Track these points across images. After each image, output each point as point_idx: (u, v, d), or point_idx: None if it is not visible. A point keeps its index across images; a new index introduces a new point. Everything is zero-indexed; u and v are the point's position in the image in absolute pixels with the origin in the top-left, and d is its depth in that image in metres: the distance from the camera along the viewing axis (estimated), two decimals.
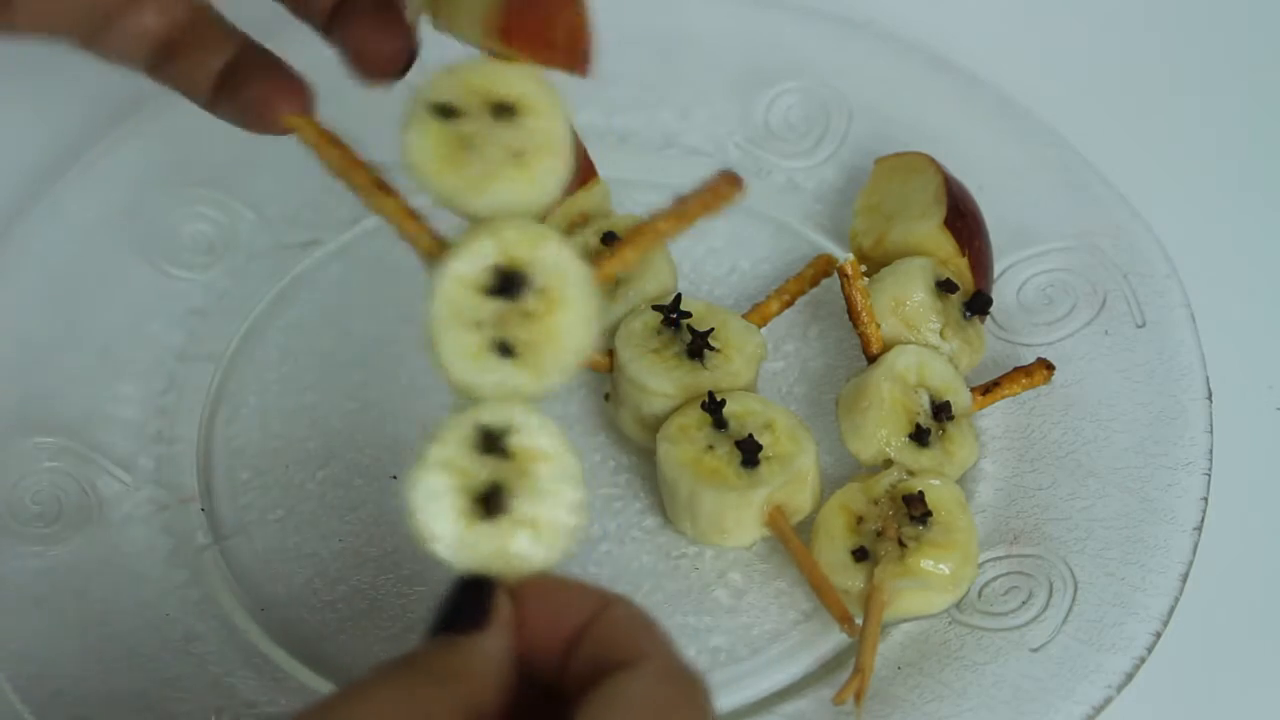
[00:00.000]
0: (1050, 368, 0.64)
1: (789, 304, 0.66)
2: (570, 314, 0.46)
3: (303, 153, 0.52)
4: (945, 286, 0.64)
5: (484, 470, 0.46)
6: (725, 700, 0.58)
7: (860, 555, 0.59)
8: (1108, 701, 0.56)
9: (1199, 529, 0.60)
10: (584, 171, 0.68)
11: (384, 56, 0.53)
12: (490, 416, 0.46)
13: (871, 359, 0.63)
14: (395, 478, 0.65)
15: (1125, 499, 0.61)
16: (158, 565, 0.62)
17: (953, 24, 0.79)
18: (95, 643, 0.59)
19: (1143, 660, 0.56)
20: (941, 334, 0.64)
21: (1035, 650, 0.57)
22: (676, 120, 0.75)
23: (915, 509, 0.59)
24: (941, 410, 0.62)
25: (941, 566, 0.58)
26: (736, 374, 0.63)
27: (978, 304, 0.65)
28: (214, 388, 0.68)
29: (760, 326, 0.65)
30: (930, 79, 0.75)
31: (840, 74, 0.76)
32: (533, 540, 0.46)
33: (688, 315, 0.64)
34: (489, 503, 0.45)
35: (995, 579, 0.60)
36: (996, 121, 0.73)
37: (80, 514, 0.63)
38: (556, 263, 0.46)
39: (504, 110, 0.47)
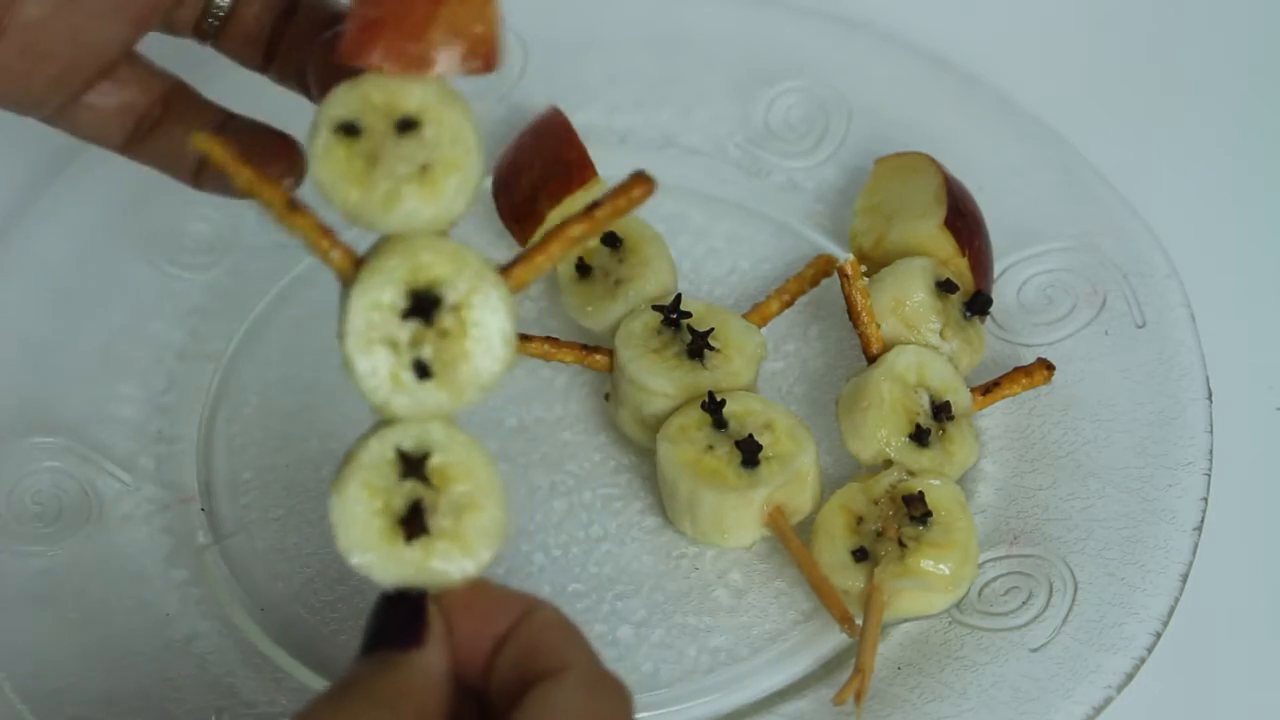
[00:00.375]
0: (1050, 368, 0.64)
1: (789, 304, 0.66)
2: (486, 330, 0.46)
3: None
4: (945, 286, 0.64)
5: (404, 491, 0.46)
6: (725, 700, 0.59)
7: (860, 555, 0.59)
8: (1108, 701, 0.56)
9: (1199, 529, 0.60)
10: (584, 171, 0.68)
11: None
12: (408, 440, 0.46)
13: (871, 359, 0.63)
14: None
15: (1125, 499, 0.61)
16: (158, 565, 0.62)
17: (953, 24, 0.79)
18: (95, 643, 0.59)
19: (1143, 660, 0.57)
20: (941, 334, 0.64)
21: (1035, 650, 0.57)
22: (676, 120, 0.75)
23: (915, 509, 0.59)
24: (941, 410, 0.62)
25: (941, 566, 0.58)
26: (736, 374, 0.63)
27: (978, 304, 0.65)
28: (214, 387, 0.68)
29: (760, 326, 0.65)
30: (930, 79, 0.75)
31: (840, 74, 0.76)
32: (456, 556, 0.46)
33: (688, 315, 0.64)
34: (409, 523, 0.46)
35: (995, 579, 0.60)
36: (996, 121, 0.73)
37: (80, 514, 0.63)
38: (469, 278, 0.46)
39: (407, 125, 0.46)
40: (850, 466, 0.63)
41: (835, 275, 0.63)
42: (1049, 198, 0.71)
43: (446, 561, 0.45)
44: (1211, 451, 0.62)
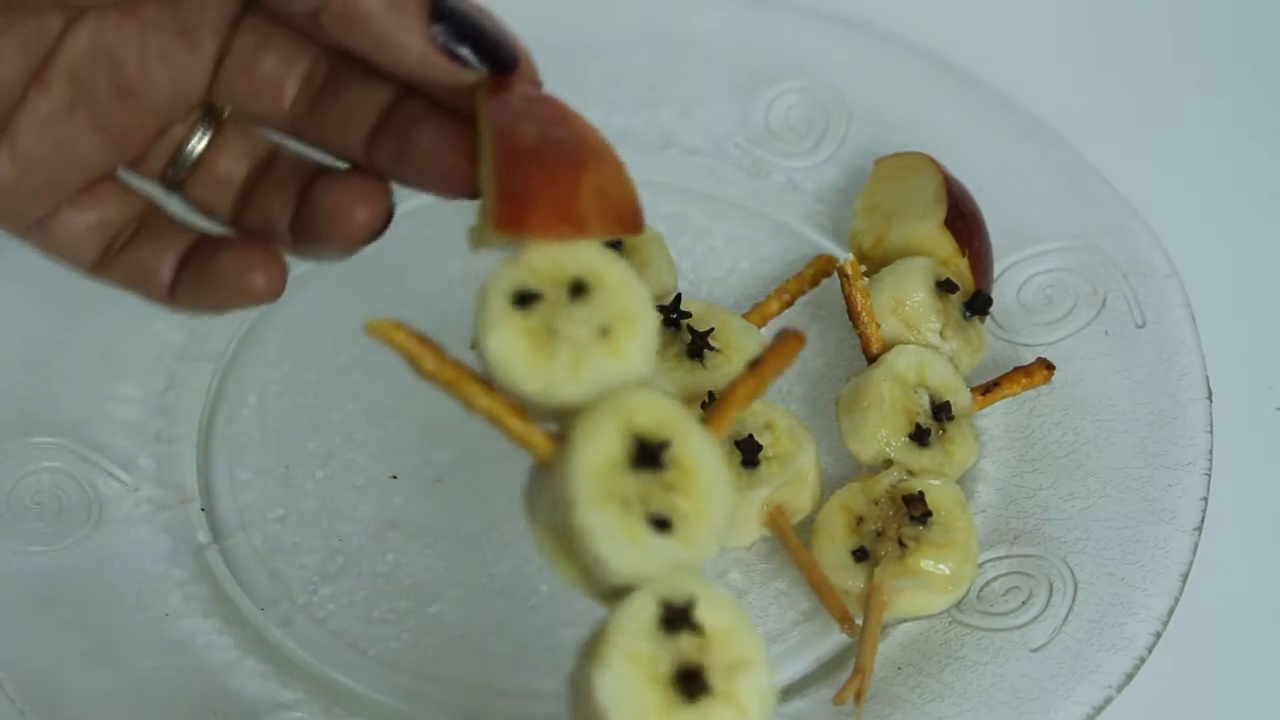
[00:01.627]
0: (1050, 368, 0.64)
1: (789, 304, 0.66)
2: (712, 476, 0.44)
3: None
4: (945, 286, 0.64)
5: (669, 653, 0.43)
6: None
7: (860, 555, 0.59)
8: (1108, 701, 0.56)
9: (1199, 529, 0.60)
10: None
11: (359, 221, 0.51)
12: (670, 591, 0.43)
13: (871, 359, 0.63)
14: (395, 477, 0.65)
15: (1125, 499, 0.61)
16: (158, 565, 0.62)
17: (953, 24, 0.79)
18: (95, 643, 0.59)
19: (1143, 660, 0.56)
20: (941, 334, 0.64)
21: (1035, 650, 0.57)
22: (676, 120, 0.75)
23: (915, 509, 0.59)
24: (941, 410, 0.62)
25: (941, 566, 0.58)
26: (736, 374, 0.63)
27: (978, 304, 0.65)
28: (214, 387, 0.68)
29: (760, 326, 0.65)
30: (930, 79, 0.75)
31: (840, 74, 0.76)
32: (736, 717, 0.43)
33: (688, 315, 0.64)
34: (688, 685, 0.42)
35: (995, 579, 0.60)
36: (996, 121, 0.73)
37: (80, 514, 0.63)
38: (684, 427, 0.44)
39: (579, 289, 0.45)
40: (850, 466, 0.63)
41: (835, 275, 0.63)
42: (1049, 198, 0.71)
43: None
44: (1211, 451, 0.62)
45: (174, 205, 0.54)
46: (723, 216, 0.73)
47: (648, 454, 0.44)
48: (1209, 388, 0.63)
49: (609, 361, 0.45)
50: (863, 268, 0.63)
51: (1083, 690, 0.56)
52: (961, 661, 0.58)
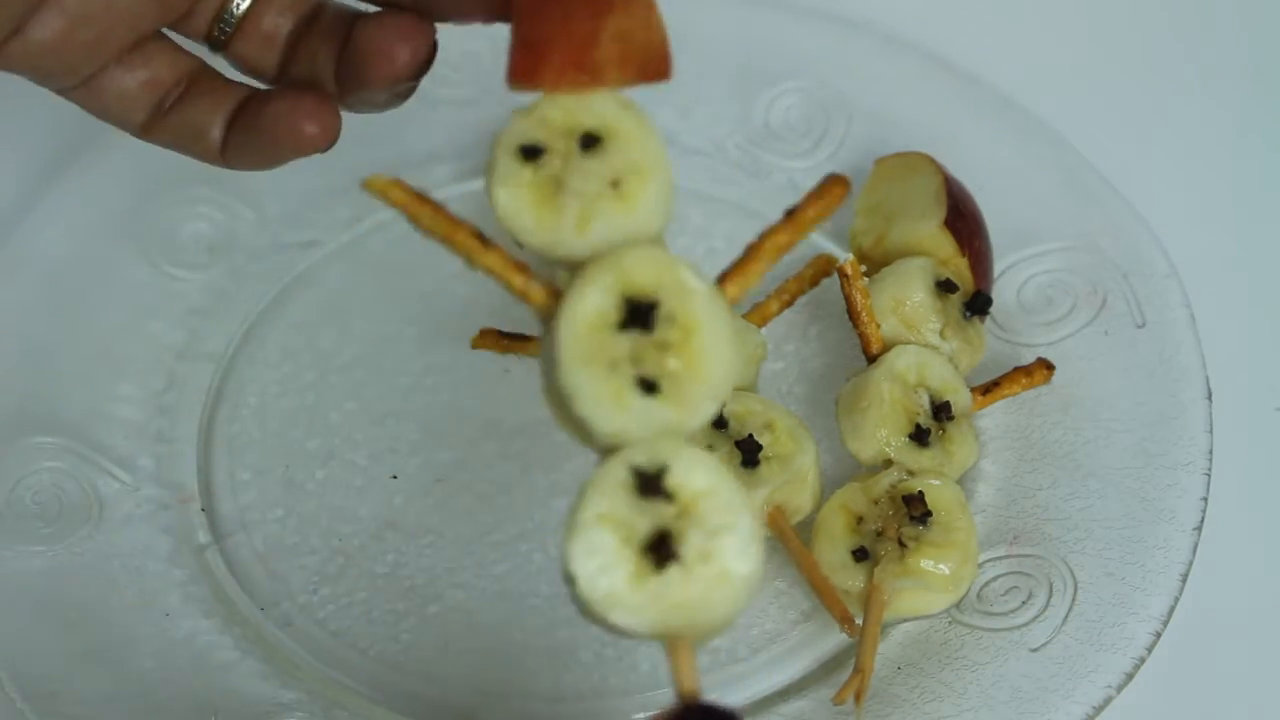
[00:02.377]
0: (1050, 368, 0.64)
1: (789, 304, 0.66)
2: (710, 337, 0.43)
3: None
4: (945, 286, 0.64)
5: (645, 518, 0.42)
6: (725, 700, 0.58)
7: (860, 555, 0.59)
8: (1108, 701, 0.56)
9: (1199, 529, 0.60)
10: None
11: (402, 58, 0.50)
12: (642, 457, 0.42)
13: (871, 359, 0.63)
14: (395, 477, 0.65)
15: (1125, 499, 0.61)
16: (158, 564, 0.62)
17: (953, 24, 0.79)
18: (95, 642, 0.59)
19: (1143, 660, 0.56)
20: (941, 334, 0.64)
21: (1035, 650, 0.57)
22: (676, 120, 0.75)
23: (915, 509, 0.59)
24: (941, 410, 0.62)
25: (941, 566, 0.58)
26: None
27: (978, 304, 0.65)
28: (214, 387, 0.68)
29: (760, 326, 0.65)
30: (930, 79, 0.75)
31: (840, 74, 0.76)
32: (714, 585, 0.42)
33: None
34: (658, 551, 0.42)
35: (995, 579, 0.60)
36: (996, 121, 0.73)
37: (80, 514, 0.63)
38: (683, 285, 0.43)
39: (590, 141, 0.44)
40: (850, 466, 0.63)
41: (835, 275, 0.63)
42: (1049, 198, 0.71)
43: (708, 592, 0.42)
44: (1211, 451, 0.62)
45: (219, 65, 0.54)
46: (722, 216, 0.73)
47: (638, 313, 0.43)
48: (1209, 388, 0.63)
49: (618, 216, 0.44)
50: (863, 268, 0.63)
51: (1083, 690, 0.56)
52: (961, 661, 0.58)
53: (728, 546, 0.42)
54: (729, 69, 0.76)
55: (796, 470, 0.60)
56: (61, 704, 0.57)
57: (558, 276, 0.45)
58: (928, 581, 0.58)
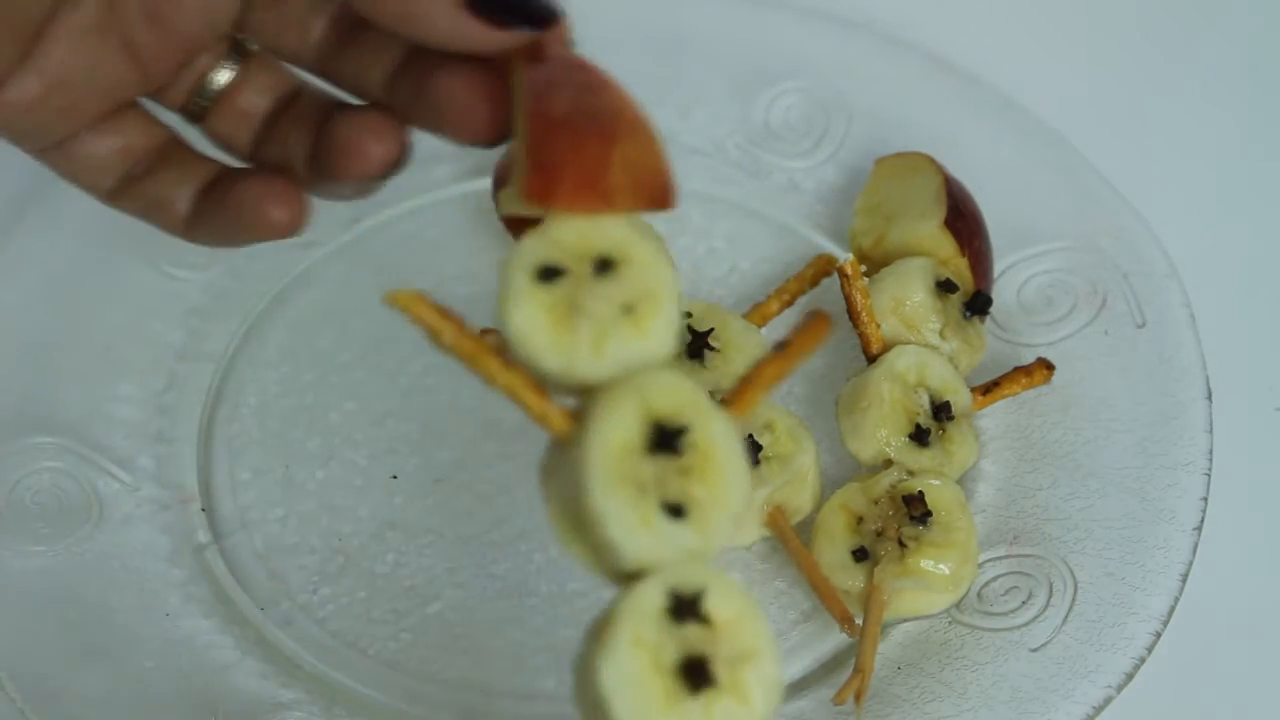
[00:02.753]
0: (1050, 368, 0.64)
1: (789, 304, 0.66)
2: (728, 460, 0.43)
3: None
4: (945, 286, 0.64)
5: (676, 642, 0.42)
6: None
7: (860, 555, 0.59)
8: (1108, 701, 0.56)
9: (1199, 529, 0.60)
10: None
11: (375, 156, 0.50)
12: (680, 580, 0.42)
13: (871, 359, 0.63)
14: (395, 477, 0.65)
15: (1125, 499, 0.61)
16: (158, 565, 0.62)
17: (953, 24, 0.79)
18: (95, 642, 0.59)
19: (1143, 660, 0.56)
20: (941, 334, 0.64)
21: (1035, 650, 0.57)
22: (676, 120, 0.75)
23: (915, 509, 0.59)
24: (941, 410, 0.62)
25: (941, 567, 0.58)
26: (736, 374, 0.63)
27: (978, 304, 0.65)
28: (214, 387, 0.68)
29: (760, 326, 0.65)
30: (930, 79, 0.75)
31: (840, 74, 0.76)
32: (741, 712, 0.42)
33: (688, 315, 0.64)
34: (693, 676, 0.42)
35: (995, 579, 0.60)
36: (996, 121, 0.73)
37: (80, 514, 0.63)
38: (703, 410, 0.43)
39: (605, 265, 0.44)
40: (850, 466, 0.63)
41: (835, 275, 0.63)
42: (1049, 198, 0.71)
43: (736, 715, 0.42)
44: (1211, 451, 0.62)
45: (194, 138, 0.54)
46: (723, 216, 0.73)
47: (665, 438, 0.43)
48: (1209, 388, 0.63)
49: (632, 340, 0.44)
50: (863, 268, 0.63)
51: (1083, 690, 0.56)
52: (961, 661, 0.58)
53: (755, 672, 0.42)
54: (729, 69, 0.76)
55: (796, 470, 0.60)
56: (61, 704, 0.57)
57: (565, 402, 0.45)
58: (928, 581, 0.58)
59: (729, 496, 0.43)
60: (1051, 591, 0.59)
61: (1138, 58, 0.81)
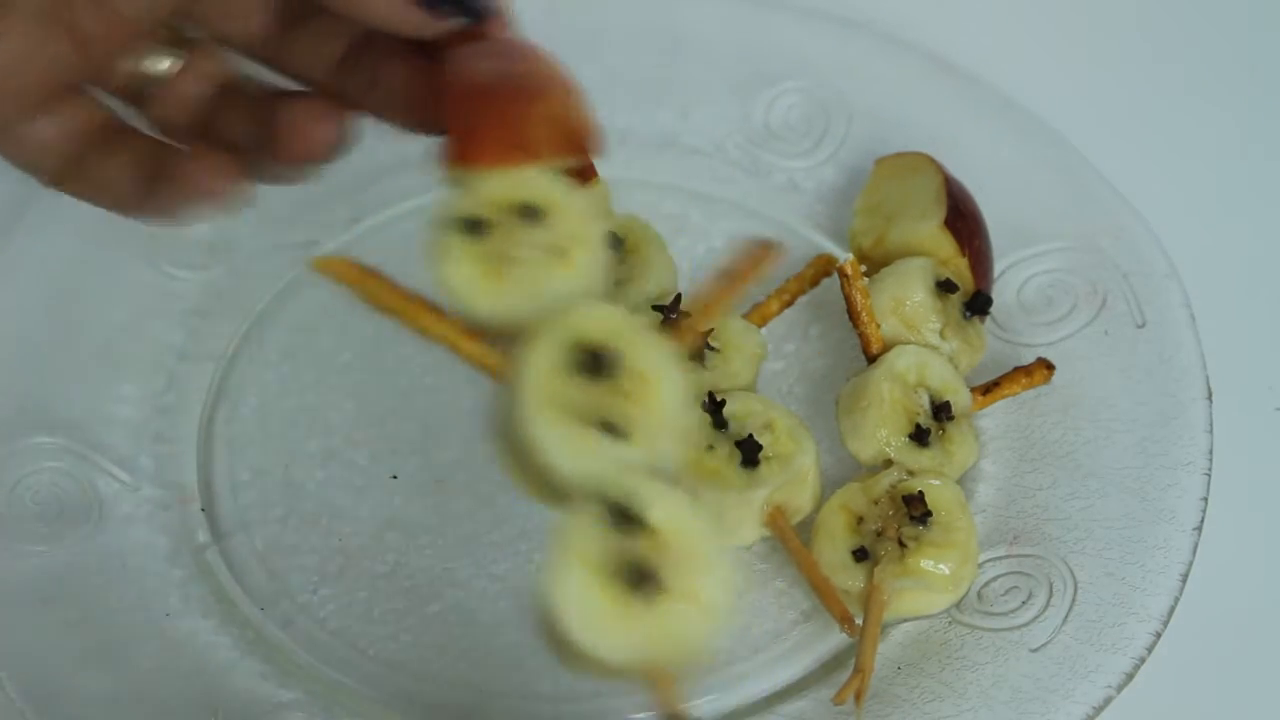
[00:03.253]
0: (1050, 368, 0.64)
1: (789, 304, 0.66)
2: (668, 386, 0.45)
3: None
4: (945, 286, 0.64)
5: (621, 551, 0.43)
6: (725, 700, 0.59)
7: (860, 555, 0.59)
8: (1108, 701, 0.56)
9: (1199, 529, 0.60)
10: (585, 170, 0.68)
11: (316, 140, 0.51)
12: (616, 492, 0.44)
13: (871, 359, 0.63)
14: (395, 477, 0.65)
15: (1125, 499, 0.61)
16: (158, 564, 0.62)
17: (952, 24, 0.79)
18: (95, 642, 0.59)
19: (1143, 660, 0.56)
20: (941, 334, 0.64)
21: (1035, 650, 0.57)
22: (676, 120, 0.75)
23: (915, 509, 0.59)
24: (941, 410, 0.62)
25: (941, 566, 0.58)
26: (736, 374, 0.63)
27: (978, 304, 0.65)
28: (214, 387, 0.68)
29: (760, 326, 0.65)
30: (930, 79, 0.75)
31: (840, 74, 0.75)
32: (693, 614, 0.43)
33: (687, 315, 0.64)
34: (638, 582, 0.43)
35: (995, 579, 0.60)
36: (996, 121, 0.73)
37: (80, 514, 0.63)
38: (636, 335, 0.45)
39: (530, 212, 0.46)
40: (850, 466, 0.63)
41: (835, 275, 0.63)
42: (1049, 198, 0.71)
43: (687, 620, 0.43)
44: (1211, 451, 0.62)
45: (136, 123, 0.54)
46: (723, 216, 0.73)
47: (595, 362, 0.44)
48: (1209, 388, 0.63)
49: (560, 279, 0.46)
50: (863, 268, 0.63)
51: (1083, 690, 0.56)
52: (961, 661, 0.58)
53: (703, 575, 0.43)
54: (729, 69, 0.76)
55: (796, 470, 0.60)
56: (61, 704, 0.57)
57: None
58: (928, 581, 0.58)
59: (666, 413, 0.45)
60: (1051, 591, 0.59)
61: (1138, 58, 0.81)
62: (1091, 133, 0.73)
